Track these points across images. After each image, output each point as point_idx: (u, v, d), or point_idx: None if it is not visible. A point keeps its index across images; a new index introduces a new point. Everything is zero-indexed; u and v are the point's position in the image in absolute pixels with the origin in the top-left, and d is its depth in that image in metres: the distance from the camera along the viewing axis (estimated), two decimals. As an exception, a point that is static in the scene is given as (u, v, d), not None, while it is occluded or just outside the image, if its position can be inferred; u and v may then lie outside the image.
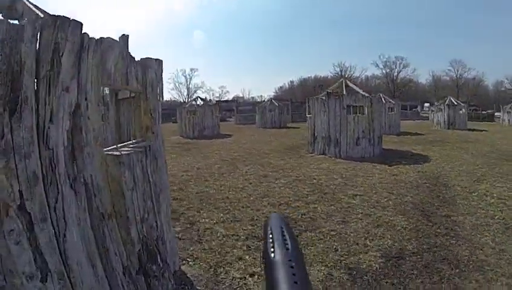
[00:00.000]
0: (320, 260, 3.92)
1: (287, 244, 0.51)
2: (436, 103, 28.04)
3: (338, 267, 3.73)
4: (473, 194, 6.94)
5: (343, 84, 12.88)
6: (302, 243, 4.39)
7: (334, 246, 4.29)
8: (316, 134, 11.90)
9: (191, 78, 75.60)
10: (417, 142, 16.05)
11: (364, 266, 3.80)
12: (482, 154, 12.09)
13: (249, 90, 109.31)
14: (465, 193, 6.98)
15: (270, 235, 0.54)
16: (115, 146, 2.78)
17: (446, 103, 25.04)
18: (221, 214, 5.42)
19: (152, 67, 3.16)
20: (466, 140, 16.52)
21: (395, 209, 5.83)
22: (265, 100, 34.60)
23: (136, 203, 2.60)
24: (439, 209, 5.93)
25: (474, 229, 5.03)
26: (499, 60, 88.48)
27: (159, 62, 3.32)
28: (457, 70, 68.55)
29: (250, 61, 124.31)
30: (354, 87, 13.40)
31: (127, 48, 2.74)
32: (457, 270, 3.76)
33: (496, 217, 5.59)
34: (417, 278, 3.55)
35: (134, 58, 2.86)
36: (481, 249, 4.35)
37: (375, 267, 3.77)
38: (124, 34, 2.71)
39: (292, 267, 0.47)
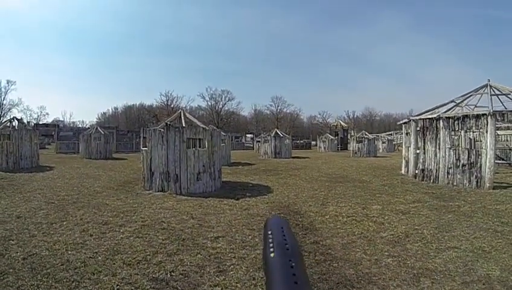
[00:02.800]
0: None
1: (287, 244, 0.57)
2: (263, 134, 32.77)
3: None
4: (326, 217, 8.37)
5: (182, 116, 13.19)
6: None
7: None
8: (153, 169, 11.61)
9: (6, 93, 65.32)
10: (252, 172, 17.97)
11: None
12: (315, 179, 14.87)
13: (70, 114, 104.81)
14: (319, 217, 8.33)
15: (270, 236, 0.60)
16: None
17: (273, 134, 30.41)
18: None
19: None
20: (295, 167, 19.83)
21: None
22: (89, 126, 32.27)
23: None
24: (306, 237, 6.78)
25: (345, 248, 6.09)
26: (313, 97, 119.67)
27: None
28: (278, 105, 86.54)
29: (74, 81, 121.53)
30: (193, 119, 13.96)
31: None
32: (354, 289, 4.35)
33: (356, 233, 6.93)
34: None
35: None
36: (361, 264, 5.30)
37: None
38: None
39: (292, 267, 0.52)
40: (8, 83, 69.53)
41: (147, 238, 6.69)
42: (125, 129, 46.26)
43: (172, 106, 74.61)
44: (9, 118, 22.34)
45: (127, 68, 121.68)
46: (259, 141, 31.85)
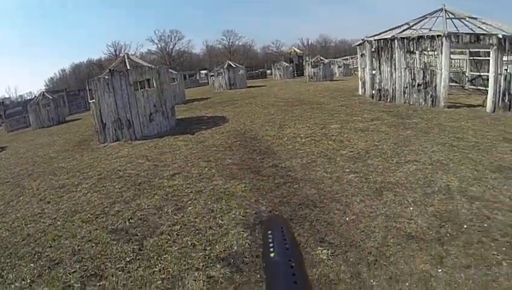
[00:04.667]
0: (185, 264, 3.56)
1: (287, 244, 0.56)
2: (216, 68, 31.56)
3: (210, 264, 3.49)
4: (284, 139, 8.05)
5: (126, 59, 12.00)
6: (151, 251, 3.88)
7: (189, 242, 3.96)
8: (104, 120, 10.71)
9: None
10: (207, 106, 17.31)
11: (235, 248, 3.72)
12: (271, 105, 14.40)
13: (15, 88, 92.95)
14: (276, 140, 8.02)
15: (270, 236, 0.59)
16: None
17: (225, 66, 29.13)
18: (32, 264, 4.14)
19: None
20: (251, 96, 19.27)
21: (222, 176, 5.92)
22: (37, 96, 29.79)
23: None
24: (264, 161, 6.48)
25: (305, 169, 5.83)
26: (266, 28, 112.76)
27: None
28: (230, 39, 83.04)
29: (10, 54, 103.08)
30: (138, 60, 12.85)
31: None
32: (317, 209, 4.25)
33: (316, 152, 6.66)
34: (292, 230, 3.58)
35: None
36: (322, 183, 5.08)
37: (245, 243, 3.77)
38: None
39: (292, 267, 0.51)
40: None
41: (104, 191, 6.31)
42: (75, 89, 43.49)
43: (121, 55, 69.91)
44: None
45: (65, 27, 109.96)
46: (213, 76, 30.70)
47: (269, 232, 0.60)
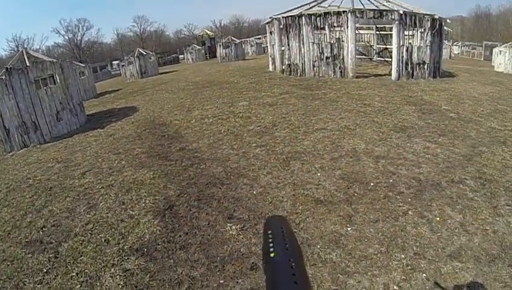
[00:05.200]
0: (101, 263, 3.57)
1: (287, 244, 0.56)
2: (125, 57, 30.16)
3: (125, 257, 3.54)
4: (191, 122, 8.18)
5: (24, 55, 10.96)
6: (67, 256, 3.85)
7: (103, 239, 3.96)
8: (7, 126, 9.75)
9: None
10: (118, 97, 16.66)
11: (147, 237, 3.79)
12: (181, 89, 14.37)
13: None
14: (184, 124, 8.11)
15: (270, 236, 0.59)
16: None
17: (136, 54, 27.97)
18: None
19: None
20: (162, 82, 18.96)
21: (132, 166, 5.89)
22: None
23: None
24: (171, 146, 6.58)
25: (212, 148, 6.04)
26: (177, 12, 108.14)
27: None
28: (141, 25, 78.91)
29: None
30: (39, 55, 11.80)
31: None
32: (224, 187, 4.46)
33: (222, 131, 6.95)
34: (200, 213, 3.92)
35: None
36: (229, 160, 5.34)
37: (156, 231, 3.85)
38: None
39: (292, 267, 0.51)
40: None
41: (14, 203, 5.93)
42: None
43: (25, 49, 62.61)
44: None
45: None
46: (124, 65, 29.36)
47: (269, 232, 0.60)
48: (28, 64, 10.52)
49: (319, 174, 4.58)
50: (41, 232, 4.52)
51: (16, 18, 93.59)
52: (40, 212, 5.17)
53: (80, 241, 4.01)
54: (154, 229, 3.83)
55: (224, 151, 5.72)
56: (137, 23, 78.57)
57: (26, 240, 4.48)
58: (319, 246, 3.23)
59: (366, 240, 3.26)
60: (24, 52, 11.78)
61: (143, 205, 4.43)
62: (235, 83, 13.75)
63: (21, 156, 9.20)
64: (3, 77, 9.65)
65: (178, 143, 6.58)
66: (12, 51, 64.03)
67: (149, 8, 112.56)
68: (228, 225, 3.71)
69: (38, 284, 3.47)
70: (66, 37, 72.90)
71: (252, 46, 39.70)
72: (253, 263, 3.14)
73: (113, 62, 60.26)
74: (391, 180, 4.25)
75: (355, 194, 4.01)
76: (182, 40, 77.35)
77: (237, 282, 2.97)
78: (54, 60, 11.29)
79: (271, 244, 0.57)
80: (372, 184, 4.19)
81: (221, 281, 2.99)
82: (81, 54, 69.45)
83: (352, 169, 4.62)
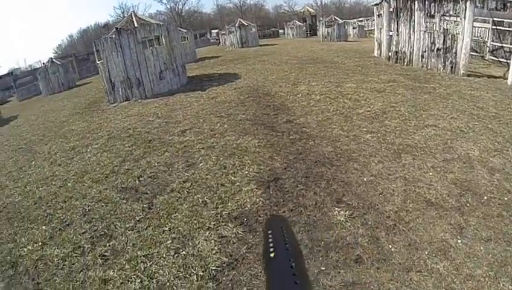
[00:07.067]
0: (196, 223, 3.38)
1: (287, 244, 0.55)
2: (226, 26, 30.62)
3: (222, 223, 3.30)
4: (298, 96, 7.66)
5: (133, 17, 11.43)
6: (161, 210, 3.72)
7: (200, 200, 3.74)
8: (113, 80, 10.38)
9: None
10: (218, 63, 16.80)
11: (248, 206, 3.49)
12: (284, 62, 13.84)
13: (24, 59, 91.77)
14: (290, 97, 7.64)
15: (270, 236, 0.57)
16: None
17: (237, 24, 28.12)
18: (44, 227, 4.06)
19: None
20: (264, 54, 18.58)
21: (235, 131, 5.64)
22: (45, 63, 29.70)
23: None
24: (277, 117, 6.20)
25: (321, 125, 5.52)
26: None
27: None
28: None
29: (17, 26, 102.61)
30: (145, 18, 12.24)
31: None
32: (334, 168, 3.97)
33: (331, 110, 6.31)
34: (307, 191, 3.50)
35: None
36: (339, 141, 4.77)
37: (259, 201, 3.52)
38: None
39: (292, 267, 0.50)
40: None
41: (114, 150, 6.12)
42: (84, 54, 42.86)
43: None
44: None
45: None
46: (224, 34, 29.83)
47: (269, 231, 0.59)
48: (136, 25, 10.84)
49: (430, 173, 3.98)
50: (137, 181, 4.53)
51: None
52: (138, 162, 5.22)
53: (176, 198, 3.90)
54: (257, 200, 3.53)
55: (334, 131, 5.18)
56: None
57: (123, 186, 4.54)
58: (426, 253, 2.78)
59: (475, 258, 2.74)
60: (133, 14, 12.18)
61: (246, 172, 4.12)
62: (339, 64, 12.83)
63: (123, 108, 9.64)
64: (113, 36, 10.12)
65: (284, 115, 6.17)
66: (118, 17, 70.92)
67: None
68: (336, 209, 3.30)
69: (129, 231, 3.45)
70: (168, 6, 78.02)
71: (354, 28, 37.66)
72: (358, 255, 2.74)
73: (212, 31, 62.53)
74: (506, 199, 3.51)
75: (468, 205, 3.40)
76: (281, 15, 77.42)
77: (339, 272, 2.60)
78: (161, 23, 11.54)
79: (271, 244, 0.55)
80: (485, 197, 3.52)
81: (323, 268, 2.64)
82: (182, 21, 73.71)
83: (465, 176, 3.92)
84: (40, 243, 3.77)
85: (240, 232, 3.11)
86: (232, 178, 4.06)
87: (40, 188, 5.29)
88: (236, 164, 4.37)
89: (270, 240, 0.56)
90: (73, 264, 3.26)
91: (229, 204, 3.55)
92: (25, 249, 3.75)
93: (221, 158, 4.63)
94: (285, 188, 3.67)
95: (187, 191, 3.97)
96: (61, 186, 5.08)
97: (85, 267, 3.17)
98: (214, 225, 3.26)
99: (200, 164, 4.59)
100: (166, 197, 3.95)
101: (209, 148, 5.08)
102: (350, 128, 5.29)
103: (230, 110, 6.96)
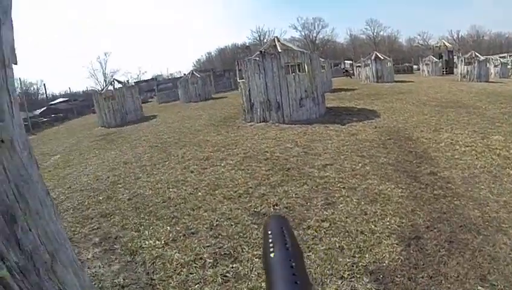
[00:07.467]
0: (330, 269, 3.30)
1: (287, 244, 0.55)
2: (362, 58, 30.52)
3: (357, 275, 3.22)
4: (441, 145, 7.50)
5: (276, 42, 12.51)
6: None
7: (337, 244, 3.72)
8: (252, 100, 11.45)
9: (106, 63, 71.47)
10: (355, 97, 16.98)
11: (386, 262, 3.41)
12: (423, 104, 13.47)
13: (167, 68, 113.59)
14: (433, 145, 7.51)
15: (270, 235, 0.58)
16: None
17: (373, 57, 27.98)
18: (168, 227, 4.43)
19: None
20: (400, 92, 18.21)
21: (377, 175, 5.78)
22: (186, 74, 34.44)
23: None
24: (420, 166, 6.17)
25: (467, 183, 5.35)
26: (412, 18, 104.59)
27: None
28: (374, 29, 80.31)
29: (164, 39, 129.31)
30: (289, 44, 13.18)
31: None
32: (481, 237, 3.81)
33: (478, 166, 6.08)
34: (450, 259, 3.42)
35: None
36: (487, 205, 4.58)
37: (398, 259, 3.44)
38: None
39: (292, 267, 0.50)
40: (105, 54, 73.97)
41: (249, 170, 6.41)
42: (221, 70, 47.60)
43: (265, 40, 72.75)
44: (110, 81, 23.41)
45: (215, 11, 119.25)
46: (359, 66, 29.74)
47: (269, 231, 0.59)
48: (279, 50, 11.68)
49: None
50: (272, 209, 4.64)
51: (259, 12, 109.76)
52: (275, 189, 5.34)
53: (312, 236, 3.88)
54: (396, 257, 3.45)
55: (481, 193, 4.96)
56: (370, 26, 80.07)
57: (255, 209, 4.68)
58: None
59: None
60: (276, 39, 13.06)
61: (387, 223, 4.14)
62: (483, 109, 11.89)
63: (260, 128, 10.31)
64: (257, 58, 11.08)
65: (428, 165, 6.15)
66: (255, 40, 78.95)
67: (382, 11, 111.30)
68: (479, 288, 3.05)
69: (256, 258, 3.46)
70: (302, 33, 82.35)
71: (495, 66, 33.45)
72: None
73: (346, 61, 62.45)
74: None
75: None
76: (415, 48, 73.89)
77: None
78: (304, 50, 12.15)
79: (271, 244, 0.56)
80: None
81: None
82: (315, 49, 75.74)
83: None
84: (163, 242, 4.00)
85: (373, 289, 3.03)
86: (373, 227, 4.04)
87: (171, 189, 5.82)
88: (378, 212, 4.42)
89: (270, 239, 0.57)
90: (191, 273, 3.35)
91: (367, 255, 3.47)
92: (147, 243, 4.02)
93: (362, 202, 4.71)
94: (427, 250, 3.59)
95: (324, 232, 3.94)
96: (191, 193, 5.50)
97: (202, 281, 3.22)
98: (348, 275, 3.18)
99: (340, 205, 4.65)
100: (302, 233, 3.94)
101: (350, 189, 5.21)
102: (500, 191, 4.98)
103: (372, 151, 7.12)
